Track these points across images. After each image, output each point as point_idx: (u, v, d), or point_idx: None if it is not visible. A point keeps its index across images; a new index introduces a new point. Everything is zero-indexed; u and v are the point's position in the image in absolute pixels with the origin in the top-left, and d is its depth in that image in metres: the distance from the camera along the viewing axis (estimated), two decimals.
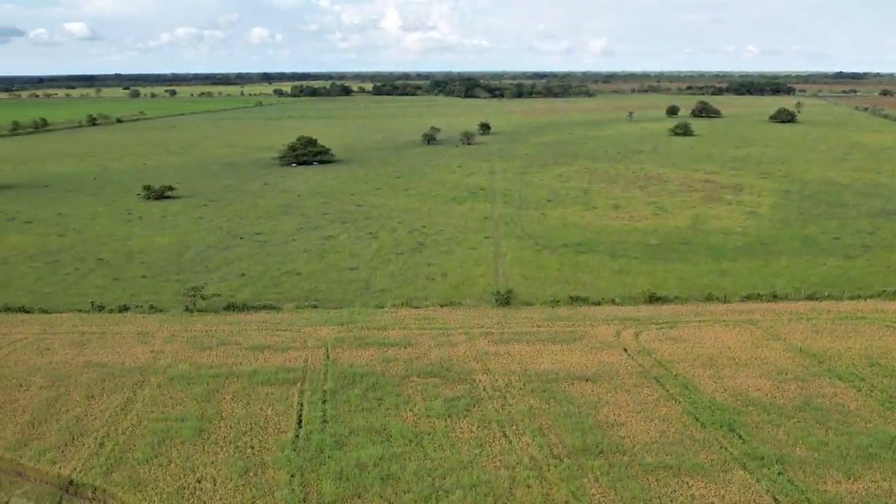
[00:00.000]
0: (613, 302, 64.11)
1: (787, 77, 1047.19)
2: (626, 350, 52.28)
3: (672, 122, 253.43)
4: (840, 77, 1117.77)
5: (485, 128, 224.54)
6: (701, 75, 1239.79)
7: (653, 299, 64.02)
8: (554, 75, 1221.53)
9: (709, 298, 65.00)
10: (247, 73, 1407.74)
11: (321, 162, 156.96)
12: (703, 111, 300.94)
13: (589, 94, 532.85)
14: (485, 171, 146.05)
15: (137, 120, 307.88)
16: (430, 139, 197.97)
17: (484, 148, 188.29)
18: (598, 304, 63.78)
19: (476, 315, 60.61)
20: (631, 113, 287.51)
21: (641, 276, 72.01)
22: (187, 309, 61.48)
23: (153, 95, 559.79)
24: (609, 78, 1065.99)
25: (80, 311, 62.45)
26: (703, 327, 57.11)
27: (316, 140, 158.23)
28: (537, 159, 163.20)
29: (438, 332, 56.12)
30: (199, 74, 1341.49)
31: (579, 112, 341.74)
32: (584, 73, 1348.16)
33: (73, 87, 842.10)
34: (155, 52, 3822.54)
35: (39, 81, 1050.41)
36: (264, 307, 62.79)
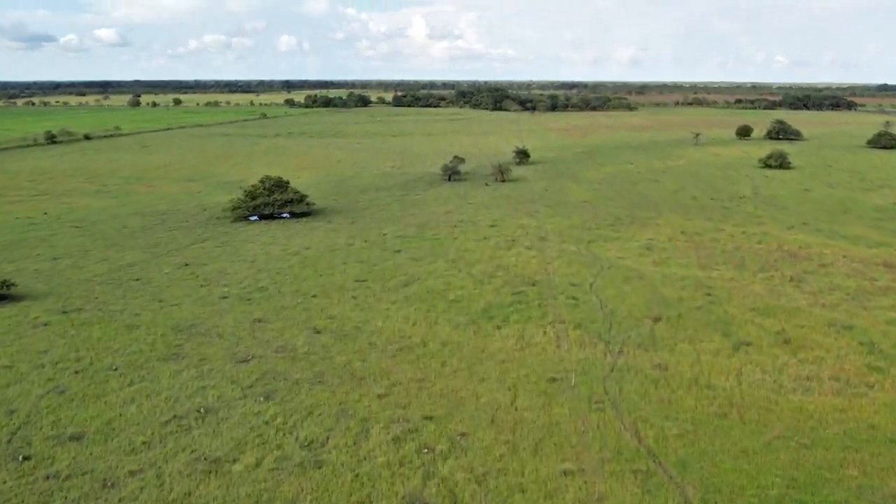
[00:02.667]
0: None
1: (829, 88, 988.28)
2: None
3: (750, 147, 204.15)
4: (886, 89, 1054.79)
5: (522, 155, 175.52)
6: (738, 86, 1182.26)
7: None
8: (584, 85, 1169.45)
9: None
10: (269, 81, 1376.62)
11: (293, 214, 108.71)
12: (781, 132, 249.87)
13: (630, 108, 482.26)
14: (532, 234, 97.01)
15: (111, 136, 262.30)
16: (451, 173, 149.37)
17: (524, 188, 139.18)
18: None
19: None
20: (697, 135, 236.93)
21: None
22: None
23: (154, 104, 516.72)
24: (643, 88, 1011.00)
25: None
26: None
27: (287, 183, 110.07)
28: (604, 212, 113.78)
29: None
30: (221, 81, 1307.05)
31: (626, 130, 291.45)
32: (614, 83, 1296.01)
33: (84, 94, 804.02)
34: (183, 58, 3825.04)
35: (55, 87, 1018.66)
36: None
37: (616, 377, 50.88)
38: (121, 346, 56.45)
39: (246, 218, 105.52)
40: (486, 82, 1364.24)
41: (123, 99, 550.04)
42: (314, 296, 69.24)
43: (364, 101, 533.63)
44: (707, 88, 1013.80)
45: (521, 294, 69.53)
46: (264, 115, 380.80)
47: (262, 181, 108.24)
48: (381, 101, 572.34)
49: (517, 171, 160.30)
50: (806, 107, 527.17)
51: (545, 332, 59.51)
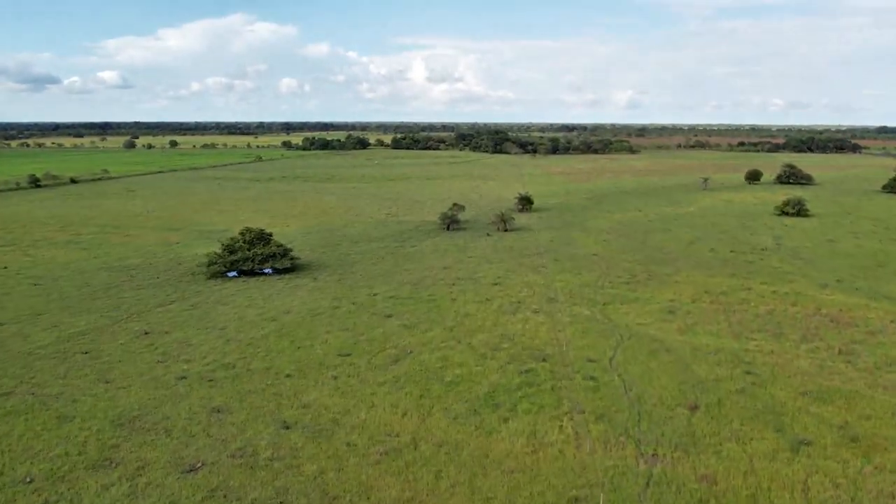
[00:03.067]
0: None
1: (828, 130, 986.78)
2: None
3: (762, 192, 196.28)
4: (886, 131, 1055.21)
5: (525, 202, 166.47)
6: (737, 129, 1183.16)
7: None
8: (583, 128, 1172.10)
9: None
10: (269, 123, 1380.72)
11: (276, 270, 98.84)
12: (792, 177, 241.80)
13: (632, 151, 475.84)
14: (539, 293, 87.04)
15: (97, 180, 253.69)
16: (450, 222, 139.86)
17: (529, 239, 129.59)
18: None
19: None
20: (706, 179, 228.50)
21: None
22: None
23: (150, 146, 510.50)
24: (642, 131, 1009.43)
25: None
26: None
27: (270, 236, 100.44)
28: (617, 266, 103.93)
29: None
30: (222, 123, 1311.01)
31: (631, 174, 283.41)
32: (613, 126, 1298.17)
33: (82, 136, 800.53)
34: (185, 100, 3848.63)
35: (55, 129, 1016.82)
36: None
37: (654, 496, 40.38)
38: (45, 447, 46.11)
39: (223, 274, 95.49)
40: (485, 124, 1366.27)
41: (121, 141, 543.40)
42: (288, 375, 58.98)
43: (363, 144, 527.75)
44: (707, 131, 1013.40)
45: (531, 373, 59.34)
46: (259, 158, 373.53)
47: (242, 233, 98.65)
48: (380, 143, 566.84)
49: (520, 219, 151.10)
50: (810, 149, 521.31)
51: (561, 427, 49.20)
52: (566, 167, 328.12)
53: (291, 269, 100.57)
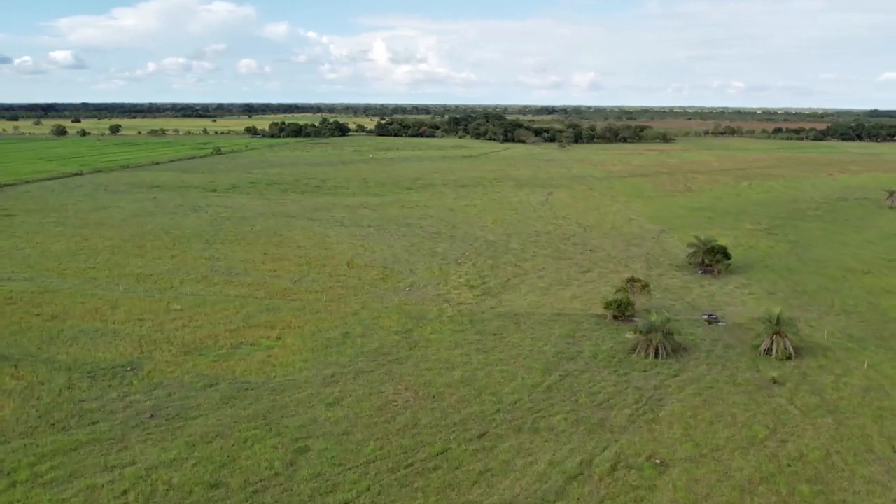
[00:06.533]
0: None
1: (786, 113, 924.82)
2: None
3: None
4: (877, 115, 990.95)
5: (713, 256, 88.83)
6: (773, 113, 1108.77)
7: None
8: (563, 110, 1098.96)
9: None
10: (229, 105, 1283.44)
11: None
12: None
13: (665, 139, 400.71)
14: None
15: None
16: (647, 343, 60.44)
17: (849, 386, 50.80)
18: None
19: None
20: (892, 193, 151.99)
21: None
22: None
23: (84, 133, 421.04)
24: (631, 115, 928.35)
25: None
26: None
27: None
28: None
29: None
30: (178, 104, 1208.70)
31: (730, 176, 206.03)
32: (600, 108, 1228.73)
33: (17, 119, 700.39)
34: (141, 81, 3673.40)
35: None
36: None
37: None
38: None
39: None
40: (457, 106, 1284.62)
41: (61, 124, 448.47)
42: None
43: (342, 130, 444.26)
44: (730, 115, 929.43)
45: None
46: (218, 150, 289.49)
47: None
48: (361, 129, 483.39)
49: (724, 291, 72.76)
50: (860, 137, 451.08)
51: None
52: (619, 162, 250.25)
53: None
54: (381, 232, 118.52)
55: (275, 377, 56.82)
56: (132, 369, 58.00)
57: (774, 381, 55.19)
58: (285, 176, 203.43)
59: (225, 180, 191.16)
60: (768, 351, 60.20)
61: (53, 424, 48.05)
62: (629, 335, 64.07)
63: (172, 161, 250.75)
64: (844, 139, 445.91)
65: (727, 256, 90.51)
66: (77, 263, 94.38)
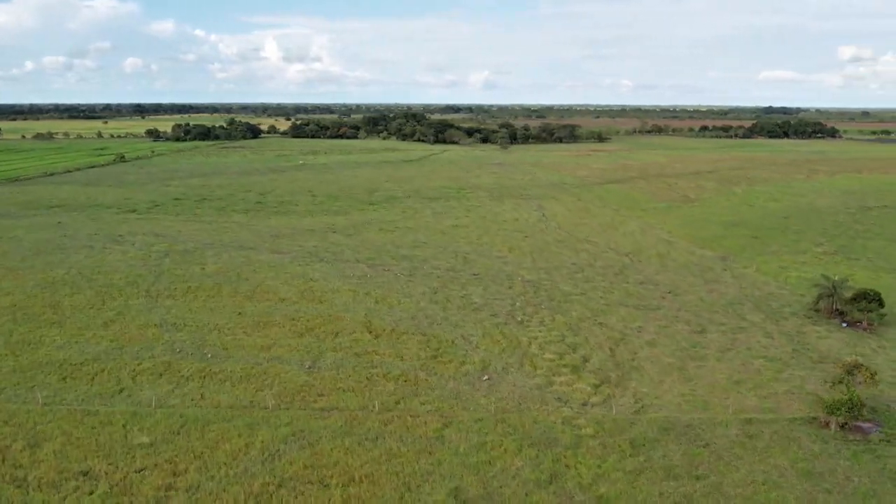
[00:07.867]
0: None
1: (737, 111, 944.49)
2: None
3: None
4: (771, 112, 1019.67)
5: (862, 304, 67.32)
6: (637, 108, 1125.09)
7: None
8: (468, 108, 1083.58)
9: None
10: (117, 105, 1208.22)
11: None
12: None
13: (601, 139, 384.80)
14: None
15: None
16: None
17: None
18: None
19: None
20: None
21: None
22: None
23: None
24: (535, 113, 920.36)
25: None
26: None
27: None
28: None
29: None
30: (61, 105, 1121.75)
31: (715, 180, 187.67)
32: (519, 107, 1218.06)
33: None
34: (19, 80, 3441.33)
35: None
36: None
37: None
38: None
39: None
40: (357, 106, 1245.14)
41: None
42: None
43: (254, 132, 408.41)
44: (661, 113, 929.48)
45: None
46: (122, 158, 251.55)
47: None
48: (274, 130, 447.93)
49: None
50: (787, 135, 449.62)
51: None
52: (579, 166, 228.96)
53: None
54: (378, 271, 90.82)
55: None
56: None
57: None
58: (214, 189, 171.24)
59: (142, 196, 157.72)
60: None
61: None
62: None
63: (70, 171, 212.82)
64: (771, 137, 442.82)
65: (881, 304, 67.76)
66: None
